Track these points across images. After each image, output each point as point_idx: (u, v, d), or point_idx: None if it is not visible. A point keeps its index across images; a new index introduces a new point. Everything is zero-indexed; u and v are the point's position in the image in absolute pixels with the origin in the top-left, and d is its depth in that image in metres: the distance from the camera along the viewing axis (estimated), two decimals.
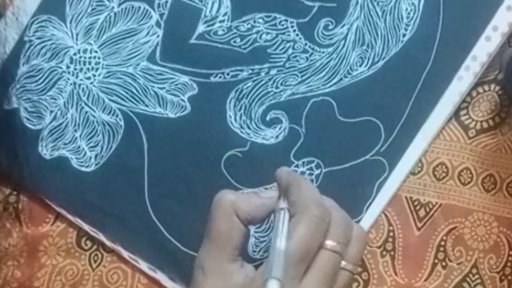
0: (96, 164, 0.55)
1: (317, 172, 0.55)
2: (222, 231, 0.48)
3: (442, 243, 0.57)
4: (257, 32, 0.54)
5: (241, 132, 0.55)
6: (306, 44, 0.54)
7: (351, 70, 0.55)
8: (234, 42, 0.54)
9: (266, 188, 0.55)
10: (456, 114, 0.56)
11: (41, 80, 0.54)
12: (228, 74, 0.54)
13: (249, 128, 0.55)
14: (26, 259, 0.55)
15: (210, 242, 0.49)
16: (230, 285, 0.47)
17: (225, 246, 0.48)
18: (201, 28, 0.54)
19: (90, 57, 0.54)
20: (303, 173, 0.55)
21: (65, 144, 0.54)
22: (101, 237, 0.55)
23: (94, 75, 0.54)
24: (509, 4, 0.54)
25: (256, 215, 0.49)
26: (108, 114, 0.54)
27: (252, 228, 0.55)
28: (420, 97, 0.55)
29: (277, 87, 0.55)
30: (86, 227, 0.55)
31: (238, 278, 0.47)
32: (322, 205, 0.48)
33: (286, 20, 0.54)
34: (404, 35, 0.55)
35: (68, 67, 0.54)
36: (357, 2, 0.54)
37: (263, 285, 0.43)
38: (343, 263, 0.48)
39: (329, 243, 0.47)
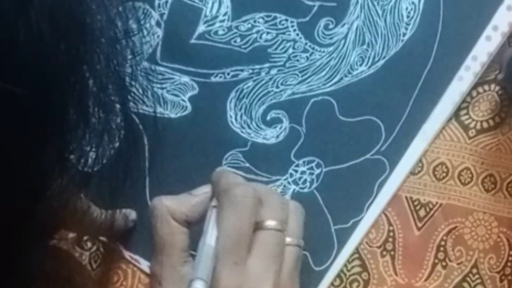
0: (97, 164, 0.54)
1: (317, 171, 0.55)
2: (164, 237, 0.49)
3: (442, 243, 0.56)
4: (257, 31, 0.54)
5: (242, 132, 0.55)
6: (306, 44, 0.55)
7: (351, 69, 0.55)
8: (235, 42, 0.54)
9: None
10: (456, 114, 0.56)
11: None
12: (228, 74, 0.54)
13: (249, 128, 0.55)
14: None
15: (156, 251, 0.49)
16: None
17: (171, 251, 0.48)
18: (201, 28, 0.54)
19: None
20: (303, 172, 0.55)
21: None
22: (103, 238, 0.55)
23: None
24: (509, 4, 0.55)
25: (192, 214, 0.49)
26: None
27: None
28: (420, 97, 0.55)
29: (277, 87, 0.55)
30: None
31: None
32: (242, 184, 0.48)
33: (287, 20, 0.54)
34: (404, 34, 0.55)
35: None
36: (357, 2, 0.54)
37: (188, 286, 0.44)
38: (288, 239, 0.48)
39: (268, 222, 0.47)
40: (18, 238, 0.32)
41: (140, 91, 0.54)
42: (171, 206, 0.49)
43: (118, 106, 0.37)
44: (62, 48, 0.31)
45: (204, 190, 0.51)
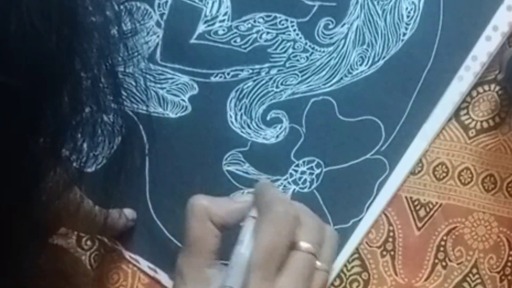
0: (96, 165, 0.54)
1: (317, 171, 0.55)
2: (197, 236, 0.48)
3: (442, 243, 0.57)
4: (257, 31, 0.54)
5: (242, 132, 0.55)
6: (306, 44, 0.55)
7: (351, 69, 0.55)
8: (234, 41, 0.54)
9: (242, 193, 0.55)
10: (456, 114, 0.56)
11: None
12: (228, 74, 0.54)
13: (249, 128, 0.55)
14: None
15: (186, 248, 0.49)
16: None
17: (201, 251, 0.48)
18: (201, 28, 0.54)
19: None
20: (303, 172, 0.55)
21: None
22: (102, 237, 0.55)
23: None
24: (509, 4, 0.55)
25: (229, 220, 0.49)
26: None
27: None
28: (420, 97, 0.55)
29: (277, 87, 0.55)
30: None
31: (217, 283, 0.47)
32: (285, 202, 0.47)
33: (286, 20, 0.54)
34: (404, 34, 0.55)
35: None
36: (357, 1, 0.54)
37: None
38: (318, 263, 0.48)
39: (303, 244, 0.47)
40: (12, 234, 0.32)
41: (135, 87, 0.54)
42: (210, 208, 0.49)
43: (113, 103, 0.37)
44: (54, 40, 0.31)
45: (245, 199, 0.50)
